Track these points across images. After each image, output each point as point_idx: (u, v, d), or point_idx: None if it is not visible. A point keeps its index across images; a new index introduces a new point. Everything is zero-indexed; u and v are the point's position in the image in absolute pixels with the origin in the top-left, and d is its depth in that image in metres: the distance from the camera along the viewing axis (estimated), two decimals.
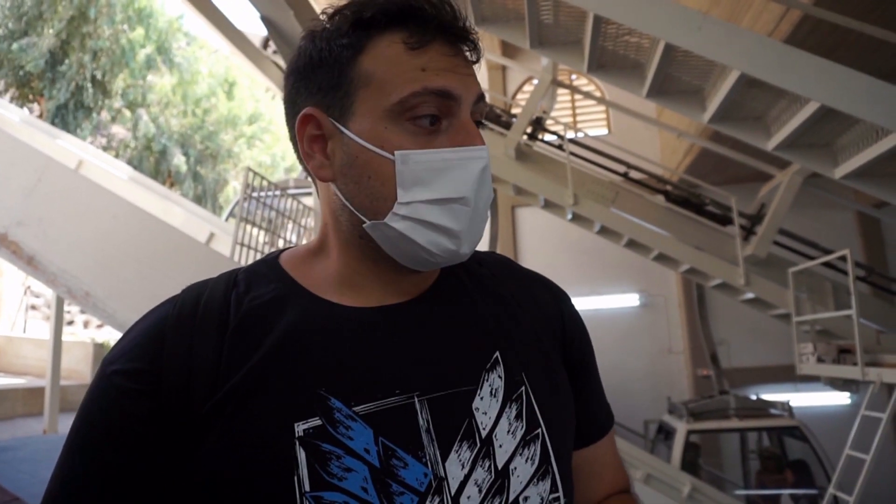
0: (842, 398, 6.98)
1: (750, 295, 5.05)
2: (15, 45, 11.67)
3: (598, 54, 3.87)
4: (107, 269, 3.74)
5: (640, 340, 8.62)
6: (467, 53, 0.66)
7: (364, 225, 0.65)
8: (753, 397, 6.15)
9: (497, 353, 0.68)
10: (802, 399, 7.05)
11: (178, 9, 13.71)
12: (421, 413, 0.62)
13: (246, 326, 0.65)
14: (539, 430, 0.67)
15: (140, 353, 0.63)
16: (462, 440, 0.62)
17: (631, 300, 8.73)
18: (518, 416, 0.66)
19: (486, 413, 0.64)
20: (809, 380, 4.90)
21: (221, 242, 5.78)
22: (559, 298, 0.83)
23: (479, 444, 0.63)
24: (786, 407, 5.62)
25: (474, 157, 0.64)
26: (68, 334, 10.03)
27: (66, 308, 8.05)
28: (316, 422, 0.59)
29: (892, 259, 7.97)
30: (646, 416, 7.74)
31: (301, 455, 0.58)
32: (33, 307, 9.98)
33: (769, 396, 6.27)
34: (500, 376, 0.67)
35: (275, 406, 0.60)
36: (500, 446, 0.64)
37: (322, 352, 0.63)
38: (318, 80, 0.67)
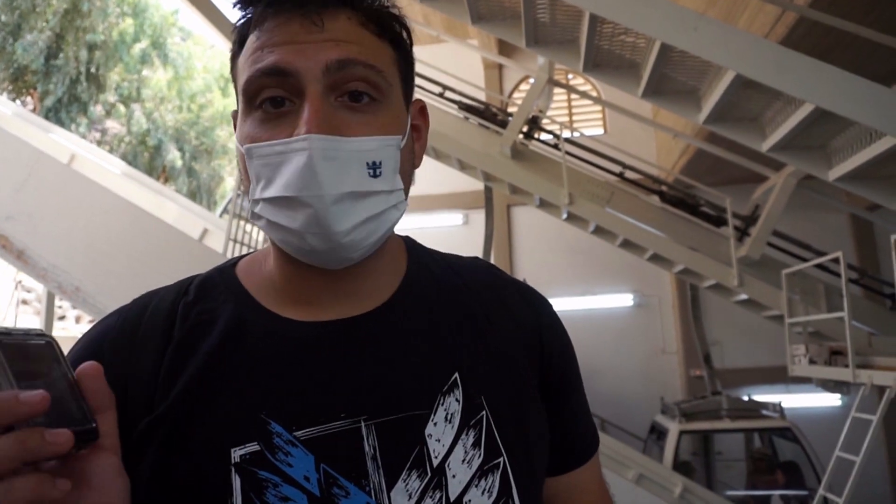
0: (833, 400, 7.01)
1: (743, 296, 5.06)
2: (17, 45, 11.58)
3: (594, 53, 3.86)
4: (98, 264, 3.72)
5: (634, 341, 8.62)
6: (325, 15, 0.58)
7: None
8: (746, 398, 6.16)
9: (456, 374, 0.63)
10: (794, 400, 7.07)
11: (173, 3, 13.65)
12: (367, 439, 0.57)
13: (189, 342, 0.61)
14: (500, 459, 0.61)
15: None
16: (411, 469, 0.57)
17: (625, 300, 8.73)
18: (476, 444, 0.61)
19: (439, 440, 0.59)
20: (801, 381, 4.91)
21: (215, 238, 5.74)
22: (537, 308, 0.75)
23: (429, 474, 0.58)
24: (777, 408, 5.63)
25: (295, 149, 0.55)
26: (60, 329, 9.97)
27: (57, 303, 8.01)
28: (254, 447, 0.55)
29: (885, 262, 7.98)
30: (638, 416, 7.75)
31: (236, 482, 0.54)
32: (24, 302, 9.92)
33: (761, 397, 6.28)
34: (457, 399, 0.61)
35: (211, 429, 0.56)
36: (454, 476, 0.59)
37: (264, 372, 0.59)
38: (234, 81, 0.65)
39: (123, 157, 11.82)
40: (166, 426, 0.56)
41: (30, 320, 9.75)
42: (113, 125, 13.55)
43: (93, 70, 12.62)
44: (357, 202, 0.57)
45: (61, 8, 11.94)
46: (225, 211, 8.07)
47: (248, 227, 4.49)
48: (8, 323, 9.74)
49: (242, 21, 0.62)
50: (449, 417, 0.60)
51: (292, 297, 0.65)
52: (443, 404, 0.61)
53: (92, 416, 0.49)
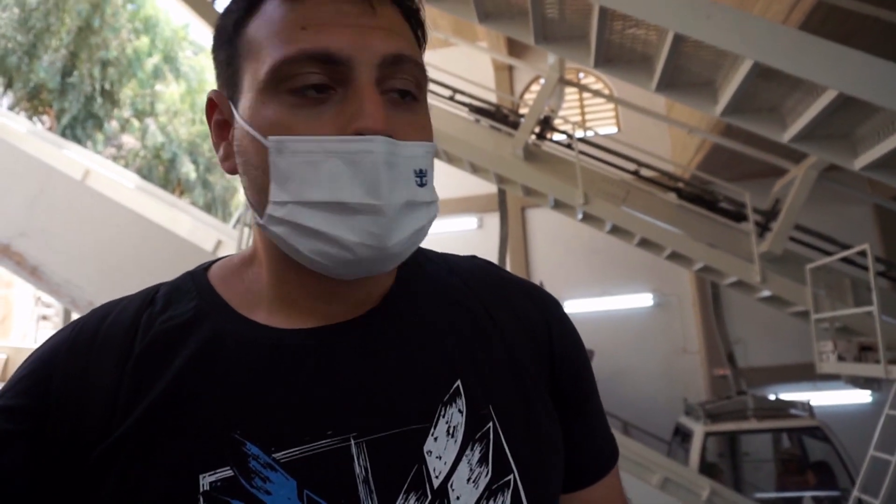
0: (863, 397, 6.83)
1: (766, 293, 4.93)
2: (38, 66, 11.76)
3: (605, 48, 3.78)
4: (110, 278, 3.72)
5: (655, 341, 8.49)
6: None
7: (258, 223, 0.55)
8: (772, 397, 6.01)
9: (458, 383, 0.56)
10: (822, 398, 6.90)
11: (183, 18, 13.78)
12: (358, 459, 0.51)
13: (151, 355, 0.53)
14: (510, 476, 0.55)
15: (25, 386, 0.52)
16: (409, 491, 0.51)
17: (644, 300, 8.60)
18: (482, 460, 0.54)
19: (440, 457, 0.53)
20: (829, 378, 4.77)
21: (229, 250, 5.74)
22: (546, 309, 0.68)
23: (430, 496, 0.52)
24: (806, 407, 5.48)
25: (366, 150, 0.49)
26: None
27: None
28: (226, 472, 0.49)
29: None
30: (661, 418, 7.61)
31: None
32: (44, 317, 10.01)
33: (788, 396, 6.13)
34: (460, 410, 0.55)
35: (178, 453, 0.49)
36: (458, 498, 0.52)
37: (239, 385, 0.52)
38: (219, 58, 0.57)
39: (139, 171, 11.92)
40: (127, 452, 0.49)
41: (49, 336, 9.88)
42: (128, 140, 13.70)
43: (107, 86, 12.78)
44: (411, 213, 0.53)
45: (74, 26, 12.10)
46: (238, 221, 8.09)
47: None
48: (29, 339, 9.85)
49: None
50: (451, 431, 0.54)
51: (276, 304, 0.58)
52: (444, 416, 0.54)
53: None
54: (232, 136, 0.56)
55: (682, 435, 6.11)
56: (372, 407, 0.53)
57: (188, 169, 13.67)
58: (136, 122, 13.39)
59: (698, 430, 5.37)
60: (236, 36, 0.55)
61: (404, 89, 0.53)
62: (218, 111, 0.58)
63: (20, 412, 0.51)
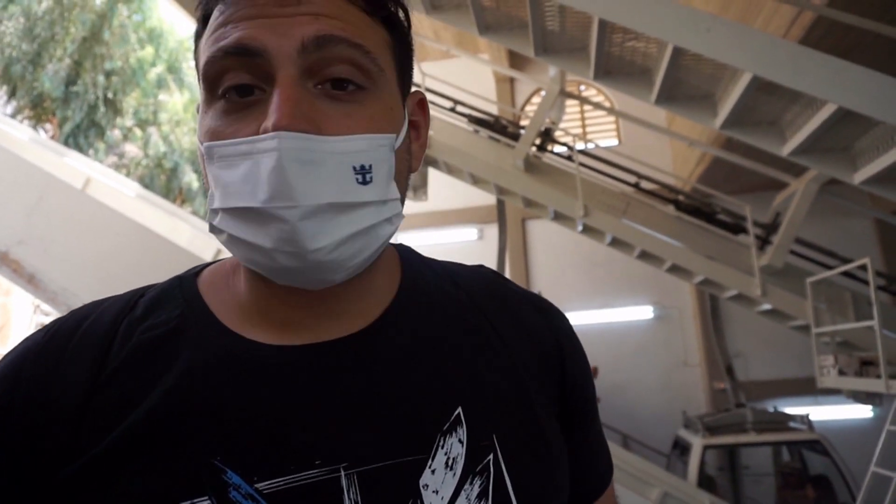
0: (864, 411, 6.79)
1: (767, 306, 4.91)
2: (43, 77, 11.84)
3: (605, 61, 3.79)
4: (109, 287, 3.68)
5: (655, 353, 8.45)
6: None
7: None
8: (771, 410, 5.98)
9: (459, 409, 0.52)
10: (823, 412, 6.86)
11: (188, 29, 13.86)
12: (348, 492, 0.46)
13: (128, 368, 0.49)
14: None
15: None
16: None
17: (644, 312, 8.58)
18: (482, 495, 0.50)
19: (437, 491, 0.49)
20: (829, 393, 4.74)
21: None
22: (556, 325, 0.64)
23: None
24: (805, 420, 5.45)
25: (262, 150, 0.45)
26: None
27: None
28: (204, 502, 0.45)
29: None
30: (661, 431, 7.56)
31: None
32: (43, 325, 10.00)
33: (789, 410, 6.10)
34: (460, 440, 0.51)
35: (152, 480, 0.45)
36: None
37: (221, 407, 0.48)
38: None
39: (141, 180, 11.94)
40: (96, 477, 0.45)
41: (25, 337, 9.84)
42: (130, 149, 13.73)
43: (110, 95, 12.84)
44: (341, 215, 0.47)
45: (79, 36, 12.17)
46: None
47: None
48: None
49: None
50: (450, 463, 0.50)
51: (261, 317, 0.54)
52: (443, 447, 0.50)
53: None
54: None
55: (681, 448, 6.07)
56: (364, 435, 0.49)
57: (190, 178, 13.67)
58: (138, 132, 13.43)
59: (697, 443, 5.34)
60: (196, 50, 0.53)
61: (340, 78, 0.48)
62: None
63: None
